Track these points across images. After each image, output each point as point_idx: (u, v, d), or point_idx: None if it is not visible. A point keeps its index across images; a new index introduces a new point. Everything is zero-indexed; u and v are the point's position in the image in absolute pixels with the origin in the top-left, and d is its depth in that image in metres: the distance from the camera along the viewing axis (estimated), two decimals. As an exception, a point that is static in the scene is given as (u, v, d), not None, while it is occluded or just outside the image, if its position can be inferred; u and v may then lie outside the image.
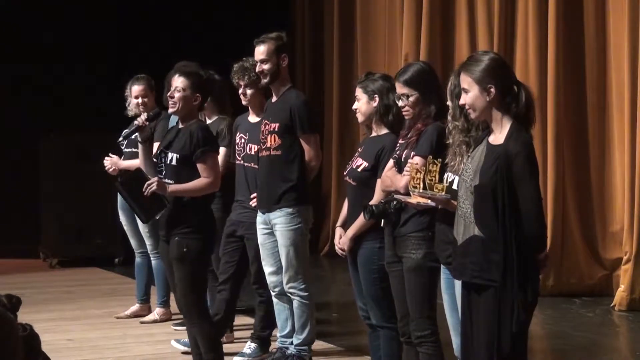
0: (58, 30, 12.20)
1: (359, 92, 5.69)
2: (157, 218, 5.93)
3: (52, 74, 12.18)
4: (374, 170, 5.53)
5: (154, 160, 5.98)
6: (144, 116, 6.16)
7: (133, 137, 6.74)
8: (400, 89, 5.25)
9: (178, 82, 5.94)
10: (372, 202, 5.36)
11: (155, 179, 5.79)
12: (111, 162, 8.03)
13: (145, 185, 5.76)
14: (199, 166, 5.83)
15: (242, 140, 6.93)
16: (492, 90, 4.35)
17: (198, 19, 12.65)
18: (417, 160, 5.04)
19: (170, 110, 6.04)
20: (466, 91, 4.43)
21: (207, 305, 6.15)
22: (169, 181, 5.81)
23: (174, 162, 5.85)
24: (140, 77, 8.13)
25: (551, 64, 9.00)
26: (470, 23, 9.96)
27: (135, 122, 6.13)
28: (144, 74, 8.17)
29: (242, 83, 6.88)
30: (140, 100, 8.08)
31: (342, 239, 5.66)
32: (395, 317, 5.41)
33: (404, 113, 5.28)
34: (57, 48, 12.21)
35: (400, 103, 5.27)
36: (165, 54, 9.58)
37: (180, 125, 5.99)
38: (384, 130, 5.63)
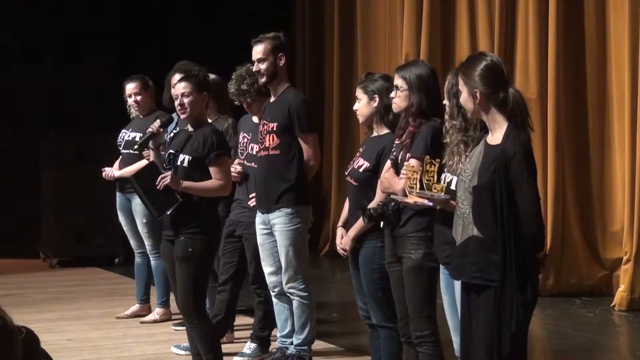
0: (58, 30, 12.19)
1: (359, 92, 5.68)
2: (168, 213, 5.87)
3: (52, 74, 12.17)
4: (375, 171, 5.52)
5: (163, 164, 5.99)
6: (157, 123, 6.13)
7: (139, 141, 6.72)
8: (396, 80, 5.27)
9: (181, 88, 5.93)
10: (372, 203, 5.36)
11: (169, 173, 5.79)
12: (105, 174, 8.06)
13: (159, 178, 5.76)
14: (212, 169, 5.84)
15: (245, 140, 6.94)
16: (478, 95, 4.38)
17: (198, 19, 12.65)
18: (413, 162, 5.04)
19: (182, 117, 6.02)
20: (460, 92, 4.49)
21: (206, 306, 6.15)
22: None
23: (185, 164, 5.85)
24: (133, 77, 8.13)
25: (551, 64, 9.00)
26: (471, 23, 9.96)
27: (149, 130, 6.11)
28: (139, 74, 8.18)
29: (245, 103, 6.93)
30: (133, 98, 8.08)
31: (343, 239, 5.66)
32: (396, 317, 5.42)
33: (393, 106, 5.29)
34: (57, 48, 12.20)
35: (392, 94, 5.28)
36: (165, 54, 9.60)
37: (190, 129, 5.98)
38: (385, 130, 5.63)
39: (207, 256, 5.92)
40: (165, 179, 5.75)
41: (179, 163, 5.88)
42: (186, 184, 5.79)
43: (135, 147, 7.26)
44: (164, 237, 6.01)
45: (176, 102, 5.97)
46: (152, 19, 12.52)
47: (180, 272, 5.83)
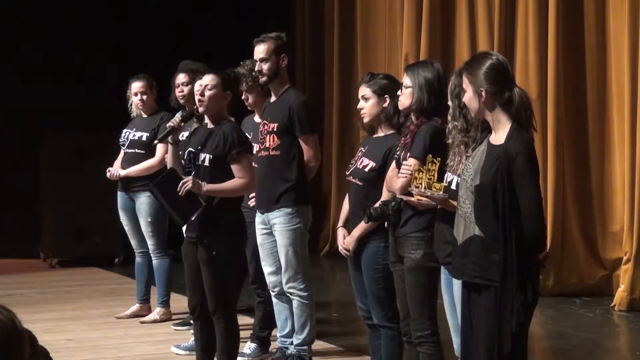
0: (58, 30, 12.19)
1: (367, 92, 5.63)
2: (193, 219, 5.82)
3: (52, 74, 12.17)
4: (381, 170, 5.51)
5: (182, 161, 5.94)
6: (178, 117, 6.07)
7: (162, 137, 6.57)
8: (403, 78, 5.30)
9: (207, 80, 5.86)
10: (377, 203, 5.36)
11: (190, 177, 5.73)
12: (110, 174, 8.04)
13: (180, 184, 5.70)
14: (234, 167, 5.78)
15: (246, 140, 6.93)
16: (483, 94, 4.38)
17: (198, 19, 12.64)
18: (412, 162, 5.05)
19: (200, 110, 5.93)
20: (464, 91, 4.48)
21: (235, 307, 6.07)
22: (202, 182, 5.76)
23: (206, 163, 5.79)
24: (140, 76, 8.17)
25: (551, 64, 9.00)
26: (470, 23, 9.96)
27: (170, 124, 6.04)
28: (145, 73, 8.21)
29: (241, 90, 6.89)
30: (139, 97, 8.10)
31: (346, 239, 5.64)
32: (397, 317, 5.43)
33: (398, 104, 5.31)
34: (57, 48, 12.20)
35: (398, 92, 5.31)
36: (165, 54, 9.60)
37: (210, 125, 5.91)
38: (391, 131, 5.62)
39: (232, 257, 5.84)
40: (187, 184, 5.69)
41: (200, 162, 5.84)
42: (208, 187, 5.73)
43: (155, 141, 7.22)
44: (187, 239, 5.96)
45: (197, 95, 5.90)
46: (153, 19, 12.51)
47: (206, 275, 5.80)
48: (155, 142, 7.27)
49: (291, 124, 6.41)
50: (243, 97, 6.88)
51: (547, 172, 8.91)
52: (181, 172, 5.87)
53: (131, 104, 8.23)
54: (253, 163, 6.63)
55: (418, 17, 10.47)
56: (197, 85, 5.99)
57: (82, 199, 11.04)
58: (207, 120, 6.01)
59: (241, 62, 6.79)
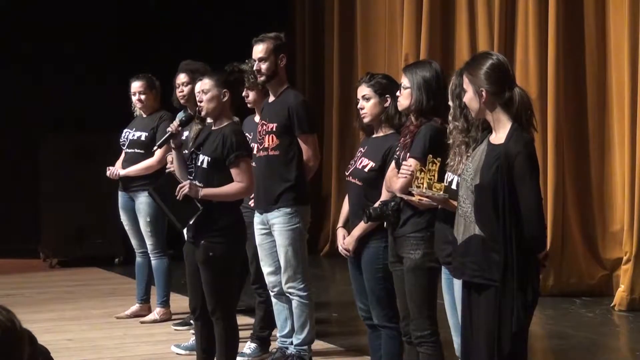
0: (58, 30, 12.18)
1: (368, 92, 5.61)
2: (191, 223, 5.82)
3: (52, 74, 12.16)
4: (381, 170, 5.51)
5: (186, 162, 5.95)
6: (176, 122, 6.08)
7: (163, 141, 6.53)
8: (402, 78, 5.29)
9: (203, 84, 5.90)
10: (377, 203, 5.36)
11: (187, 182, 5.75)
12: (110, 173, 8.04)
13: (177, 188, 5.72)
14: (233, 171, 5.78)
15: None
16: (484, 93, 4.38)
17: (198, 19, 12.64)
18: (411, 162, 5.05)
19: (202, 114, 5.98)
20: (465, 91, 4.48)
21: (234, 308, 6.08)
22: (200, 184, 5.77)
23: (204, 165, 5.80)
24: (140, 75, 8.17)
25: (551, 64, 9.00)
26: (470, 23, 9.96)
27: (169, 129, 6.05)
28: (146, 73, 8.21)
29: (245, 88, 6.90)
30: (137, 97, 8.10)
31: (347, 239, 5.64)
32: (397, 317, 5.43)
33: (398, 104, 5.31)
34: (57, 48, 12.20)
35: (397, 92, 5.31)
36: (165, 54, 9.59)
37: (213, 127, 5.93)
38: (390, 131, 5.62)
39: (231, 258, 5.84)
40: (184, 188, 5.71)
41: (198, 164, 5.84)
42: (205, 191, 5.74)
43: (155, 148, 7.23)
44: (187, 240, 5.97)
45: (197, 100, 5.96)
46: (153, 19, 12.51)
47: (204, 276, 5.81)
48: (155, 148, 7.28)
49: (290, 123, 6.40)
50: (244, 94, 6.88)
51: (547, 172, 8.91)
52: (186, 176, 5.88)
53: (133, 104, 8.23)
54: (253, 163, 6.67)
55: (418, 17, 10.47)
56: (197, 88, 6.02)
57: (82, 199, 11.05)
58: (210, 120, 6.04)
59: (246, 60, 6.79)
